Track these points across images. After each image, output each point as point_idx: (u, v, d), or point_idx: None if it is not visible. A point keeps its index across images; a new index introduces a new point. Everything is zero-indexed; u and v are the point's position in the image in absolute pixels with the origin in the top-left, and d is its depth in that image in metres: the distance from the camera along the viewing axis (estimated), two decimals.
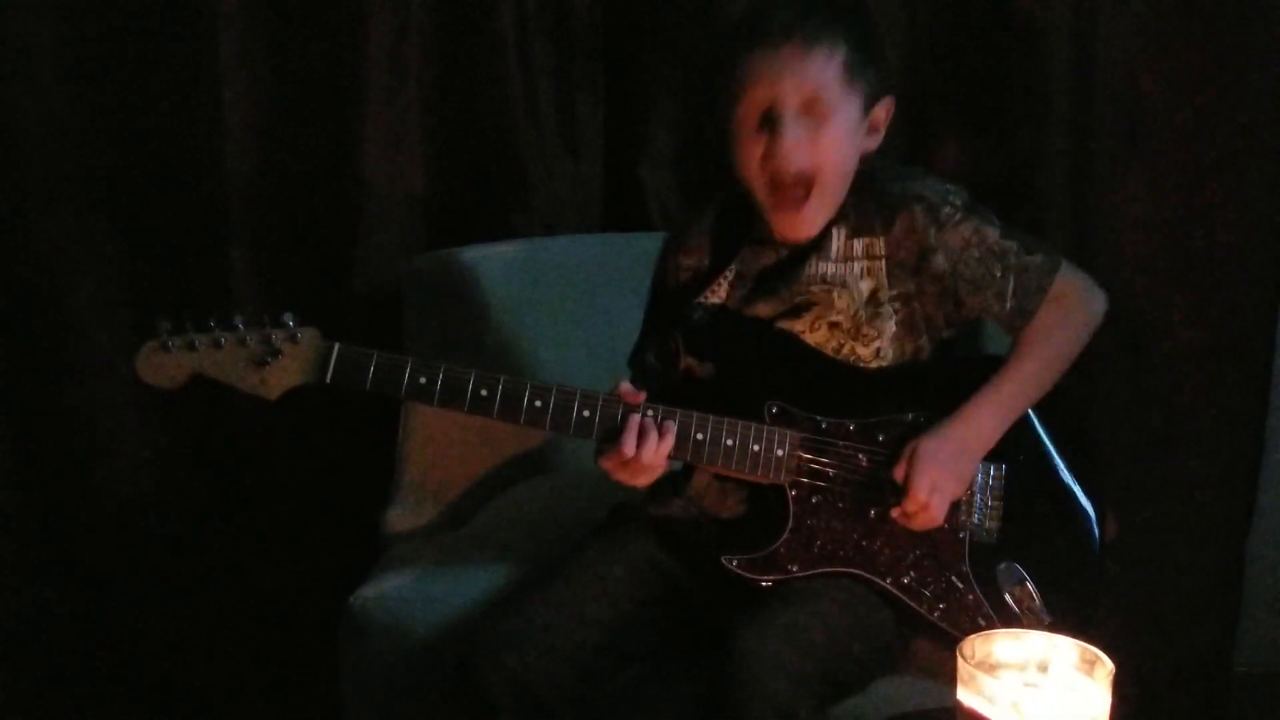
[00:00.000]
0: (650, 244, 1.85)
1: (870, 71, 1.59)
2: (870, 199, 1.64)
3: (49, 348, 2.31)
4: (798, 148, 1.56)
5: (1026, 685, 1.20)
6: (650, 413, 1.55)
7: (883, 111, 1.64)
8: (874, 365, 1.64)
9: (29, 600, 2.41)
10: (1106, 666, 1.17)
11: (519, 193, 2.34)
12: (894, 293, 1.63)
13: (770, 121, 1.56)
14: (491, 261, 2.18)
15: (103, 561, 2.40)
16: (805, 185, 1.58)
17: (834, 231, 1.64)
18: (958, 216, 1.61)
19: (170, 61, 2.22)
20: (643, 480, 1.58)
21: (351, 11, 2.22)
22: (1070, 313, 1.64)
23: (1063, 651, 1.21)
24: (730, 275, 1.68)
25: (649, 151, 2.35)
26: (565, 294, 2.20)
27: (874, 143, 1.65)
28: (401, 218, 2.32)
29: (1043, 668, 1.22)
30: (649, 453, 1.53)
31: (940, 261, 1.61)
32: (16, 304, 2.30)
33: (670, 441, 1.54)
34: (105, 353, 2.30)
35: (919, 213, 1.61)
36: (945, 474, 1.56)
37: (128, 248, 2.30)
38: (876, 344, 1.64)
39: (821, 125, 1.56)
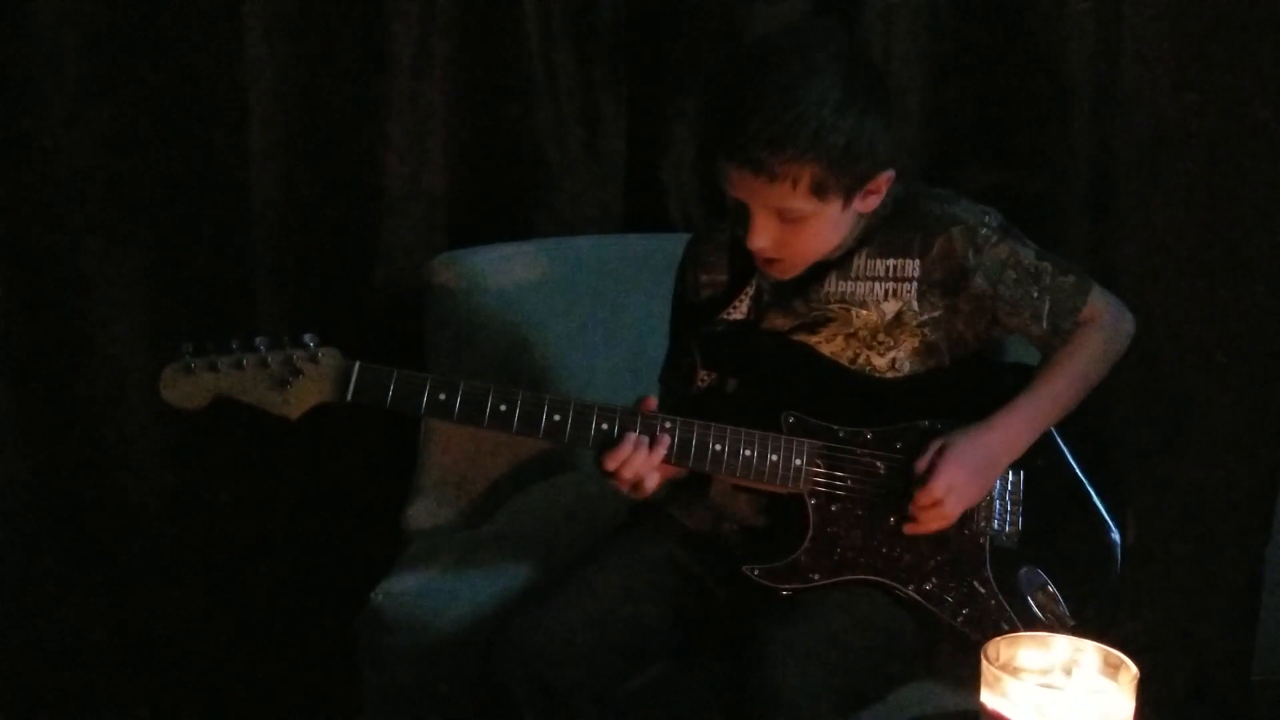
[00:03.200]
0: (671, 245, 1.85)
1: (850, 173, 1.53)
2: (905, 222, 1.64)
3: (71, 350, 2.31)
4: (766, 245, 1.57)
5: (1050, 688, 1.20)
6: (669, 425, 1.55)
7: (883, 183, 1.59)
8: (889, 375, 1.64)
9: (48, 599, 2.41)
10: (1131, 671, 1.18)
11: (541, 193, 2.34)
12: (924, 317, 1.63)
13: (745, 209, 1.56)
14: (512, 261, 2.19)
15: (123, 558, 2.40)
16: (782, 262, 1.61)
17: (856, 252, 1.65)
18: (994, 239, 1.63)
19: (193, 65, 2.23)
20: (635, 495, 1.57)
21: (376, 15, 2.22)
22: (1101, 333, 1.67)
23: (1087, 655, 1.22)
24: (751, 291, 1.69)
25: (671, 154, 2.35)
26: (586, 294, 2.21)
27: (872, 203, 1.61)
28: (424, 218, 2.32)
29: (1067, 671, 1.22)
30: (631, 471, 1.53)
31: (979, 283, 1.63)
32: (38, 307, 2.30)
33: (660, 454, 1.54)
34: (126, 353, 2.31)
35: (957, 235, 1.62)
36: (967, 477, 1.57)
37: (149, 250, 2.30)
38: (892, 354, 1.64)
39: (795, 225, 1.55)
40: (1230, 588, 2.45)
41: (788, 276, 1.64)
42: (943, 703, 1.55)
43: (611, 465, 1.53)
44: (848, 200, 1.56)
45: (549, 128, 2.32)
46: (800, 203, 1.52)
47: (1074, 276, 1.66)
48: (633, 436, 1.53)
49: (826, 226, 1.58)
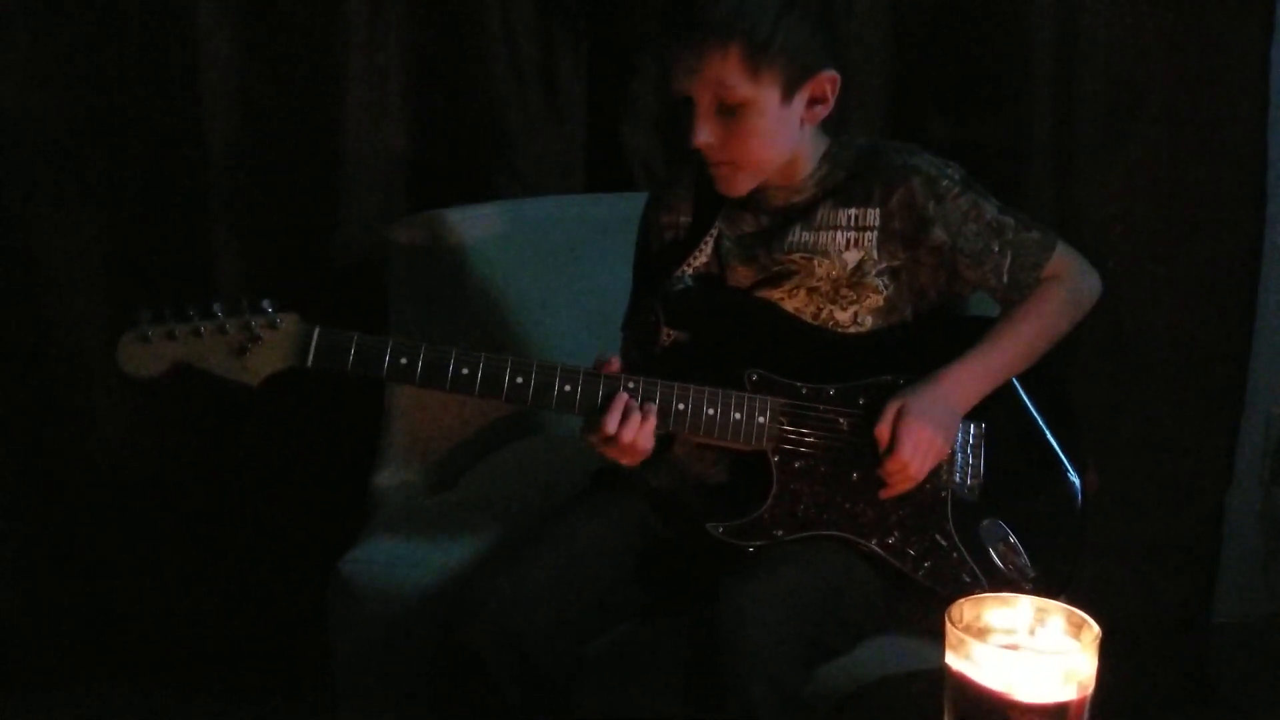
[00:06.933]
0: (633, 205, 1.85)
1: (783, 56, 1.53)
2: (867, 171, 1.64)
3: (28, 323, 2.30)
4: (710, 143, 1.57)
5: (1015, 648, 1.21)
6: (631, 385, 1.55)
7: (824, 84, 1.59)
8: (851, 330, 1.65)
9: (12, 570, 2.40)
10: (1093, 630, 1.18)
11: (502, 154, 2.33)
12: (882, 265, 1.64)
13: (689, 112, 1.56)
14: (474, 223, 2.17)
15: (90, 529, 2.40)
16: (729, 165, 1.60)
17: (820, 203, 1.65)
18: (955, 190, 1.63)
19: (146, 25, 2.19)
20: (628, 459, 1.58)
21: None
22: (1065, 291, 1.67)
23: (1051, 615, 1.22)
24: (713, 238, 1.68)
25: (632, 113, 2.34)
26: (548, 255, 2.20)
27: (819, 114, 1.61)
28: (384, 180, 2.31)
29: (1031, 632, 1.23)
30: (630, 433, 1.53)
31: (939, 234, 1.62)
32: None
33: (653, 422, 1.55)
34: (84, 323, 2.29)
35: (917, 185, 1.62)
36: (930, 434, 1.57)
37: (106, 215, 2.28)
38: (854, 309, 1.64)
39: (736, 119, 1.56)
40: (1192, 533, 2.49)
41: (738, 192, 1.63)
42: (908, 655, 1.56)
43: (609, 432, 1.53)
44: (787, 94, 1.56)
45: (509, 88, 2.30)
46: (735, 78, 1.52)
47: (1038, 233, 1.66)
48: (622, 404, 1.53)
49: (768, 123, 1.57)
